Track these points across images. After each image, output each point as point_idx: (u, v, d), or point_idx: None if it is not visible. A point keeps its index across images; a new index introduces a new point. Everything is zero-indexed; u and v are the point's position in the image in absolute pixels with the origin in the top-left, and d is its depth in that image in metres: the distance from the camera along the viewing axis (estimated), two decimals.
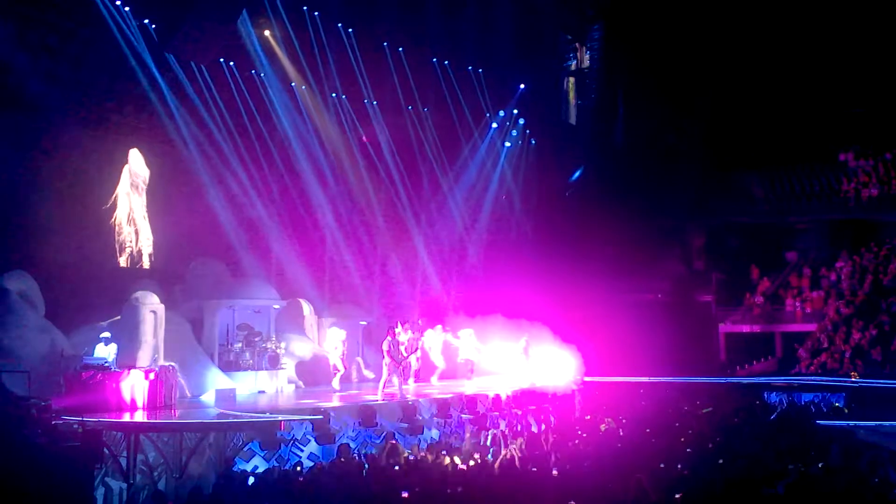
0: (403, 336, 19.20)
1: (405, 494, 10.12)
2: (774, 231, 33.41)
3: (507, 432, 17.52)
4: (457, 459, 13.39)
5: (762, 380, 25.93)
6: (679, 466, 11.47)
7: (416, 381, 20.05)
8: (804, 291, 30.69)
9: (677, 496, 9.37)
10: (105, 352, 16.05)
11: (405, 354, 19.04)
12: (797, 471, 10.76)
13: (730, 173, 33.66)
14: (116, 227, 20.85)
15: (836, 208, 31.76)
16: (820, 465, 11.47)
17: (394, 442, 15.25)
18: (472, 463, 13.28)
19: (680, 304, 31.86)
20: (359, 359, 22.32)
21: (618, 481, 9.99)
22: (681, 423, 17.15)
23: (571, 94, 32.17)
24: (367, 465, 13.05)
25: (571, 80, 32.16)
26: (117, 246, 20.99)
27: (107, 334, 16.43)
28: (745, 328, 30.95)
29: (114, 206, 20.85)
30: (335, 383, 19.48)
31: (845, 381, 24.05)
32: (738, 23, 30.13)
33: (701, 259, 33.51)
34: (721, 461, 11.83)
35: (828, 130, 32.57)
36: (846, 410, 21.68)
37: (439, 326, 21.80)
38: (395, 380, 18.64)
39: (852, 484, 10.07)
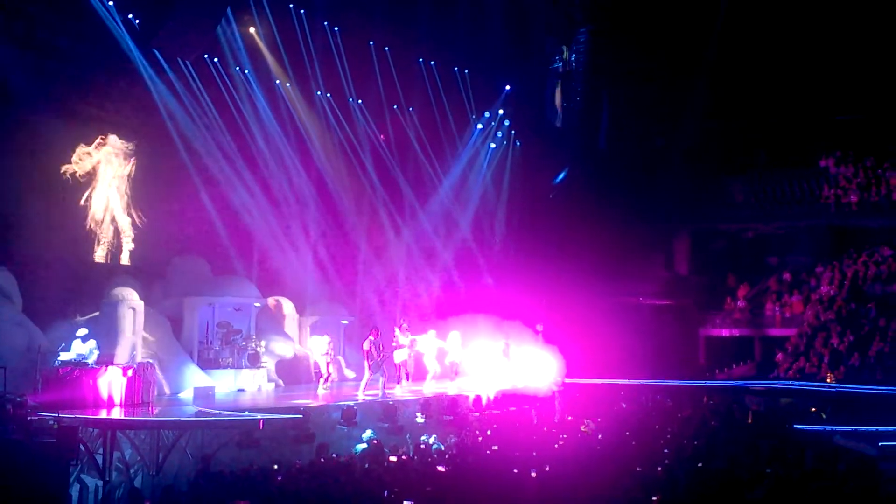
0: (404, 339, 19.21)
1: (385, 494, 10.10)
2: (756, 236, 33.63)
3: (489, 433, 17.50)
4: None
5: (741, 384, 26.08)
6: (659, 469, 11.50)
7: (408, 381, 19.97)
8: (784, 296, 30.91)
9: (654, 498, 9.40)
10: (83, 349, 15.91)
11: (388, 354, 19.01)
12: (774, 475, 10.81)
13: (713, 178, 33.83)
14: (94, 222, 20.64)
15: (816, 214, 31.98)
16: (797, 470, 11.53)
17: (376, 441, 15.22)
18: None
19: (661, 307, 31.99)
20: (340, 358, 22.24)
21: (597, 483, 10.01)
22: (660, 425, 17.22)
23: (557, 97, 32.22)
24: (346, 466, 13.00)
25: (557, 82, 32.21)
26: (95, 241, 20.79)
27: (84, 331, 16.27)
28: (725, 332, 31.12)
29: (89, 201, 20.62)
30: (320, 390, 19.22)
31: (822, 386, 24.22)
32: (722, 29, 30.29)
33: (683, 263, 33.66)
34: (700, 464, 11.87)
35: (809, 136, 32.83)
36: (823, 415, 21.84)
37: (432, 332, 21.69)
38: (379, 379, 18.61)
39: (828, 488, 10.13)
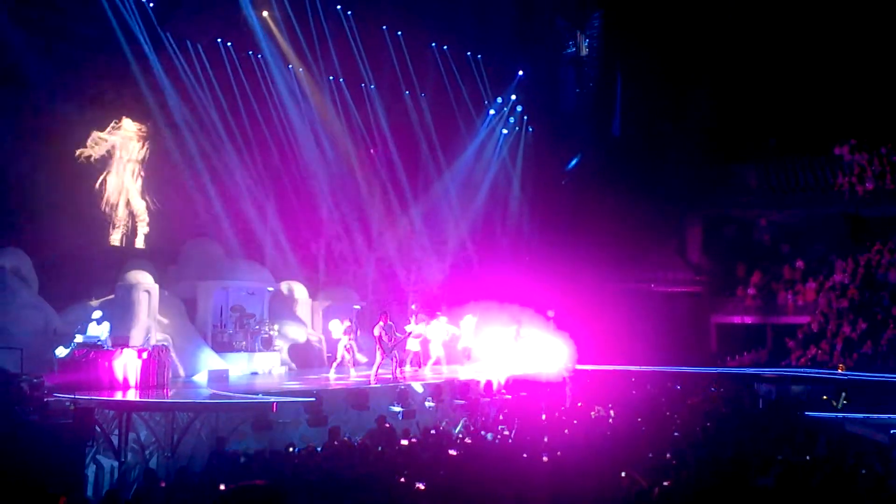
0: (418, 328, 19.26)
1: (397, 477, 10.17)
2: (769, 223, 33.47)
3: (501, 417, 17.58)
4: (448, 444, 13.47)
5: (752, 371, 26.05)
6: (668, 456, 11.54)
7: (417, 367, 20.04)
8: (796, 284, 30.80)
9: (665, 483, 9.44)
10: (97, 331, 16.03)
11: (399, 339, 19.08)
12: (785, 462, 10.84)
13: (726, 165, 33.68)
14: (108, 206, 20.77)
15: (830, 202, 31.80)
16: (808, 457, 11.55)
17: (388, 425, 15.32)
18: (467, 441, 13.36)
19: (673, 294, 31.95)
20: (352, 342, 22.25)
21: (607, 468, 10.06)
22: (671, 411, 17.25)
23: (570, 82, 32.06)
24: (359, 449, 13.10)
25: (570, 67, 32.04)
26: (110, 225, 20.92)
27: (98, 314, 16.39)
28: (737, 319, 31.07)
29: (104, 185, 20.73)
30: (331, 374, 19.28)
31: (834, 374, 24.18)
32: (738, 14, 30.06)
33: (695, 250, 33.58)
34: (710, 451, 11.90)
35: (824, 124, 32.58)
36: (835, 403, 21.80)
37: (444, 318, 21.67)
38: (389, 364, 18.69)
39: (839, 475, 10.15)
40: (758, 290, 31.11)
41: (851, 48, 29.34)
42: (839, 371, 24.28)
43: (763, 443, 12.86)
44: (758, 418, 17.07)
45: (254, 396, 15.41)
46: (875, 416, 17.62)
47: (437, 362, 21.09)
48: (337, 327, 19.56)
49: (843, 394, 21.98)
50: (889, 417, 17.37)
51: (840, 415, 18.04)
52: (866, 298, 28.15)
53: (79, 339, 15.72)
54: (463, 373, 20.45)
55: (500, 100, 29.11)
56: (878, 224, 31.11)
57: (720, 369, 26.48)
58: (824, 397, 22.40)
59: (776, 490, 9.38)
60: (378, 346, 18.45)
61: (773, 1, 29.73)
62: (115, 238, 21.04)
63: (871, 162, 31.65)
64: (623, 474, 9.58)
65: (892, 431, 15.70)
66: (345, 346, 19.29)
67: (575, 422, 15.93)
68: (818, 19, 29.16)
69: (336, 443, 13.63)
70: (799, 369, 25.44)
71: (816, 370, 24.67)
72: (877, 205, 30.96)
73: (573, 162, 31.35)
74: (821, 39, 29.31)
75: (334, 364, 19.40)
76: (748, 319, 30.84)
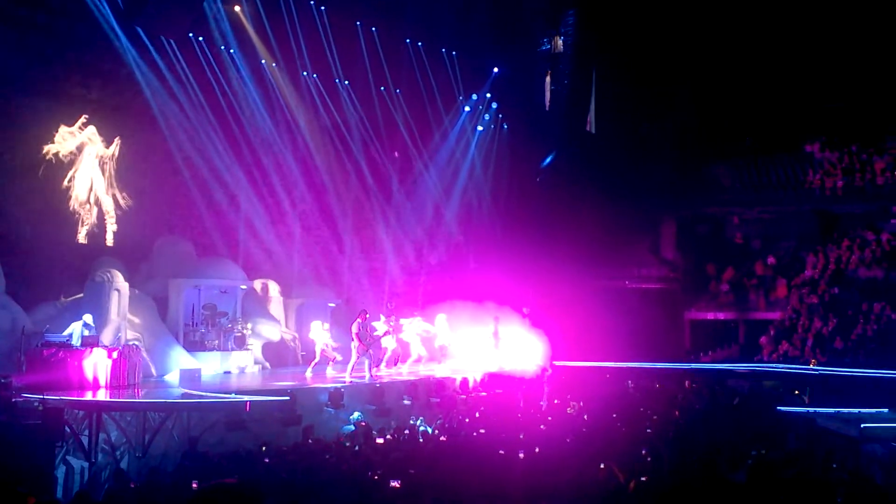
0: (384, 325, 19.21)
1: (370, 475, 10.11)
2: (741, 220, 33.80)
3: (477, 415, 17.56)
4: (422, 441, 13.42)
5: (725, 367, 26.29)
6: (643, 451, 11.57)
7: (391, 366, 19.99)
8: (768, 280, 31.12)
9: (643, 479, 9.45)
10: (79, 331, 15.88)
11: (375, 337, 19.03)
12: (757, 457, 10.91)
13: (701, 163, 33.95)
14: (77, 203, 20.43)
15: (801, 199, 32.18)
16: (780, 452, 11.65)
17: (364, 423, 15.26)
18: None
19: (647, 291, 32.16)
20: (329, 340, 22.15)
21: (583, 464, 10.05)
22: (645, 407, 17.33)
23: (545, 80, 32.10)
24: (333, 447, 13.02)
25: (545, 65, 32.07)
26: (79, 222, 20.59)
27: (89, 319, 16.16)
28: (710, 315, 31.34)
29: (73, 182, 20.39)
30: (308, 373, 19.15)
31: (805, 369, 24.46)
32: (712, 13, 30.28)
33: (669, 247, 33.81)
34: (683, 446, 11.96)
35: (795, 122, 32.96)
36: (806, 398, 22.05)
37: (418, 318, 21.64)
38: (365, 362, 18.61)
39: (811, 469, 10.24)
40: (730, 286, 31.39)
41: (823, 48, 29.67)
42: (811, 366, 24.57)
43: (736, 438, 12.95)
44: (731, 414, 17.20)
45: (227, 396, 15.28)
46: (846, 410, 17.85)
47: (417, 360, 21.09)
48: (317, 328, 19.48)
49: (808, 389, 22.26)
50: (859, 412, 17.60)
51: (811, 409, 18.25)
52: (836, 294, 28.50)
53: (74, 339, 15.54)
54: (439, 370, 20.44)
55: (475, 97, 29.09)
56: (848, 220, 31.53)
57: (693, 365, 26.69)
58: (795, 392, 22.64)
59: (749, 484, 9.43)
60: (359, 344, 18.34)
61: (748, 3, 29.98)
62: (80, 235, 20.67)
63: (841, 159, 32.06)
64: (602, 465, 9.58)
65: (862, 426, 15.90)
66: (321, 349, 19.26)
67: (549, 418, 15.95)
68: (791, 19, 29.47)
69: (310, 441, 13.54)
70: (771, 365, 25.71)
71: (788, 366, 24.95)
72: (847, 201, 31.38)
73: (548, 159, 31.39)
74: (793, 39, 29.63)
75: (313, 363, 19.28)
76: (721, 315, 31.12)
